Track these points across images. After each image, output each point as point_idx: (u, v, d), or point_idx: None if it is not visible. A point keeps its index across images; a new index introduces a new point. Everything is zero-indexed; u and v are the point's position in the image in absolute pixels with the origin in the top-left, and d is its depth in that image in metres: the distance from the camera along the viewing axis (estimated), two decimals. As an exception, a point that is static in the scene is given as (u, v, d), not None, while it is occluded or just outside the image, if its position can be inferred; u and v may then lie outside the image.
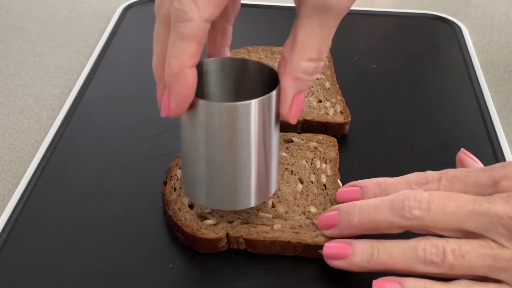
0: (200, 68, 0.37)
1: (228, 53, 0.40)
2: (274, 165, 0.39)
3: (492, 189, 0.35)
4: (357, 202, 0.38)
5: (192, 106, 0.35)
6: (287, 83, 0.35)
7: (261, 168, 0.38)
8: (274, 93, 0.36)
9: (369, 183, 0.40)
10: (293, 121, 0.37)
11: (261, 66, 0.38)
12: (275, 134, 0.38)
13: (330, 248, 0.38)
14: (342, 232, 0.38)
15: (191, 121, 0.36)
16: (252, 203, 0.39)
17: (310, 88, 0.54)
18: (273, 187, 0.40)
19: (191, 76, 0.33)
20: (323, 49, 0.34)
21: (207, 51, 0.41)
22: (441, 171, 0.38)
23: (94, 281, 0.39)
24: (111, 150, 0.49)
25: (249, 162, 0.37)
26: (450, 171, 0.38)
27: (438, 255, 0.34)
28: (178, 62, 0.33)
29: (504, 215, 0.34)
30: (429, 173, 0.38)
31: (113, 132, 0.51)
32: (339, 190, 0.41)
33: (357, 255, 0.37)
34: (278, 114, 0.37)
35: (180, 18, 0.32)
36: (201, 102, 0.35)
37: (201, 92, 0.38)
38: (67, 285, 0.39)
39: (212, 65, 0.38)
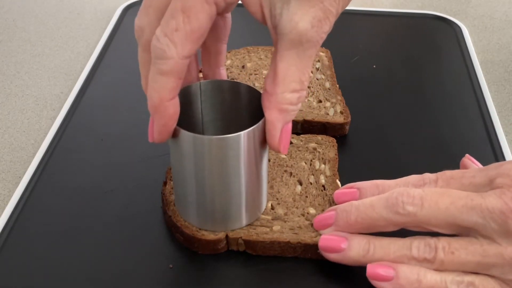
0: (196, 88, 0.39)
1: (223, 72, 0.41)
2: (264, 186, 0.41)
3: (488, 187, 0.36)
4: (354, 202, 0.38)
5: (182, 138, 0.36)
6: (274, 116, 0.36)
7: (251, 191, 0.39)
8: (261, 122, 0.37)
9: (367, 184, 0.40)
10: (284, 152, 0.37)
11: (250, 90, 0.39)
12: (265, 157, 0.39)
13: (325, 241, 0.38)
14: (339, 231, 0.39)
15: (181, 151, 0.37)
16: (244, 223, 0.40)
17: (310, 88, 0.54)
18: (263, 205, 0.42)
19: (172, 108, 0.35)
20: (304, 79, 0.35)
21: (202, 70, 0.41)
22: (438, 173, 0.39)
23: (94, 281, 0.39)
24: (111, 150, 0.49)
25: (240, 188, 0.38)
26: (447, 172, 0.38)
27: (430, 253, 0.35)
28: (158, 95, 0.34)
29: (496, 210, 0.34)
30: (426, 175, 0.39)
31: (113, 132, 0.51)
32: (337, 191, 0.42)
33: (353, 249, 0.37)
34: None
35: (159, 55, 0.33)
36: (190, 135, 0.36)
37: (197, 110, 0.40)
38: (67, 285, 0.39)
39: (207, 86, 0.40)
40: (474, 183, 0.37)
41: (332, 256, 0.38)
